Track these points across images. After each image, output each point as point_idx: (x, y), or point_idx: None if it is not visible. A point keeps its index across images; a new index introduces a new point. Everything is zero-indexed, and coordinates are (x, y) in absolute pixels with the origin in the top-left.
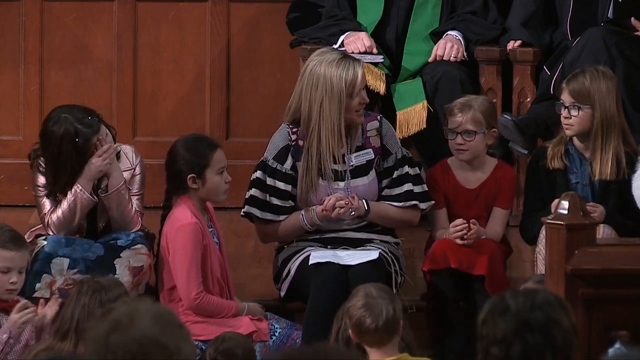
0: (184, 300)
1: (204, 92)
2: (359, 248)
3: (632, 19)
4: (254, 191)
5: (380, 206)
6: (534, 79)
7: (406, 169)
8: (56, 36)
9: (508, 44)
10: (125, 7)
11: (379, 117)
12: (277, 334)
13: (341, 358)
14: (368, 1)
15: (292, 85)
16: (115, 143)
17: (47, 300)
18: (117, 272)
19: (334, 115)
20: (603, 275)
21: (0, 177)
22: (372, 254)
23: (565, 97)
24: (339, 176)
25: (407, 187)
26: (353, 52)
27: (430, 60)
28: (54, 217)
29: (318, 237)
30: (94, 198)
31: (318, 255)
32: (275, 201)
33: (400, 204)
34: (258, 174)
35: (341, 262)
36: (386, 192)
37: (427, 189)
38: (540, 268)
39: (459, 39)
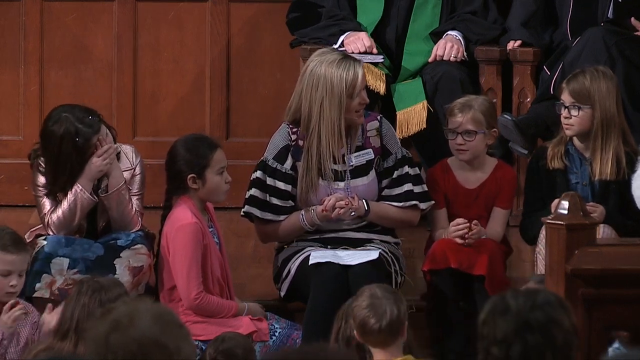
0: (184, 300)
1: (204, 92)
2: (359, 248)
3: (632, 19)
4: (254, 191)
5: (380, 206)
6: (534, 79)
7: (406, 169)
8: (56, 36)
9: (508, 44)
10: (125, 7)
11: (379, 117)
12: (277, 334)
13: (338, 358)
14: (368, 1)
15: (292, 85)
16: (115, 143)
17: (47, 300)
18: (117, 272)
19: (334, 116)
20: (603, 275)
21: (0, 177)
22: (372, 254)
23: (565, 97)
24: (339, 176)
25: (407, 187)
26: (353, 52)
27: (430, 60)
28: (54, 217)
29: (318, 237)
30: (94, 198)
31: (318, 255)
32: (275, 201)
33: (400, 204)
34: (258, 173)
35: (341, 262)
36: (386, 192)
37: (427, 189)
38: (540, 268)
39: (459, 39)
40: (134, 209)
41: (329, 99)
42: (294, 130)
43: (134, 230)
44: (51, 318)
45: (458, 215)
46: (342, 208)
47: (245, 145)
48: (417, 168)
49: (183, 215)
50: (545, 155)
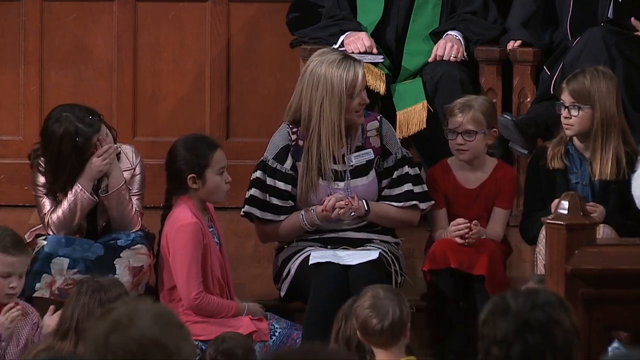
0: (184, 300)
1: (204, 92)
2: (359, 248)
3: (632, 19)
4: (253, 191)
5: (380, 206)
6: (534, 79)
7: (406, 169)
8: (56, 36)
9: (508, 44)
10: (125, 7)
11: (379, 117)
12: (277, 334)
13: (338, 358)
14: (368, 1)
15: (292, 85)
16: (115, 144)
17: (47, 300)
18: (117, 272)
19: (334, 116)
20: (603, 275)
21: (0, 177)
22: (372, 254)
23: (565, 97)
24: (338, 176)
25: (407, 187)
26: (353, 52)
27: (430, 60)
28: (54, 217)
29: (318, 237)
30: (94, 198)
31: (318, 255)
32: (275, 201)
33: (400, 204)
34: (258, 173)
35: (341, 262)
36: (386, 192)
37: (427, 189)
38: (540, 268)
39: (459, 39)
40: (134, 209)
41: (329, 99)
42: (294, 130)
43: (134, 230)
44: (52, 321)
45: (458, 215)
46: (342, 208)
47: (245, 145)
48: (417, 168)
49: (183, 215)
50: (545, 155)
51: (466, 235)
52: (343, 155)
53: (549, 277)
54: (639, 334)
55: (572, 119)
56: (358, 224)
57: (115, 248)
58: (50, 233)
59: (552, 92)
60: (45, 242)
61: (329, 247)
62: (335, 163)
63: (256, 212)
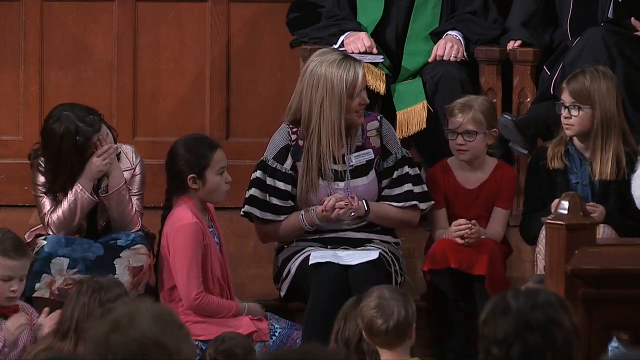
0: (184, 300)
1: (204, 92)
2: (359, 248)
3: (632, 19)
4: (253, 191)
5: (380, 206)
6: (534, 79)
7: (406, 169)
8: (56, 36)
9: (508, 44)
10: (125, 7)
11: (379, 117)
12: (277, 334)
13: (337, 359)
14: (368, 1)
15: (292, 85)
16: (115, 144)
17: (46, 300)
18: (116, 272)
19: (334, 116)
20: (603, 275)
21: (0, 177)
22: (372, 254)
23: (566, 97)
24: (338, 176)
25: (407, 187)
26: (353, 52)
27: (430, 60)
28: (54, 216)
29: (318, 237)
30: (94, 198)
31: (318, 255)
32: (275, 201)
33: (400, 204)
34: (258, 173)
35: (341, 262)
36: (386, 192)
37: (427, 189)
38: (540, 268)
39: (459, 39)
40: (134, 209)
41: (329, 99)
42: (294, 130)
43: (134, 230)
44: (45, 322)
45: (458, 215)
46: (341, 208)
47: (245, 145)
48: (417, 168)
49: (183, 215)
50: (545, 155)
51: (465, 235)
52: (343, 155)
53: (549, 277)
54: (639, 334)
55: (572, 119)
56: (358, 224)
57: (115, 248)
58: (50, 233)
59: (552, 92)
60: (45, 242)
61: (329, 247)
62: (335, 163)
63: (256, 212)
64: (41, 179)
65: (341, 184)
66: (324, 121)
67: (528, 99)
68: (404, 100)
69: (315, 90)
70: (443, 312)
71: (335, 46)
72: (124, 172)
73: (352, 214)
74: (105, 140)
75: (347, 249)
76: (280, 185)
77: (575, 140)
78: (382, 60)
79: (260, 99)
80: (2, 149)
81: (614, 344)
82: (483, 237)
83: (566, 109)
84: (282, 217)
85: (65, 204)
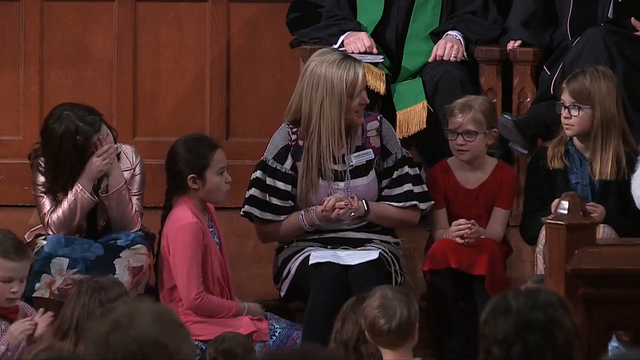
0: (184, 300)
1: (204, 92)
2: (359, 248)
3: (632, 19)
4: (253, 191)
5: (380, 206)
6: (534, 79)
7: (406, 169)
8: (56, 36)
9: (508, 44)
10: (125, 7)
11: (379, 117)
12: (277, 334)
13: (337, 359)
14: (368, 1)
15: (292, 85)
16: (115, 144)
17: (46, 300)
18: (116, 272)
19: (334, 116)
20: (603, 275)
21: (0, 177)
22: (372, 254)
23: (566, 97)
24: (338, 176)
25: (407, 187)
26: (353, 52)
27: (430, 60)
28: (54, 216)
29: (318, 237)
30: (94, 198)
31: (318, 255)
32: (275, 201)
33: (400, 204)
34: (258, 173)
35: (341, 262)
36: (386, 192)
37: (427, 189)
38: (540, 268)
39: (459, 39)
40: (134, 209)
41: (329, 99)
42: (294, 130)
43: (134, 230)
44: (41, 322)
45: (458, 215)
46: (341, 208)
47: (245, 145)
48: (417, 168)
49: (183, 215)
50: (545, 155)
51: (465, 235)
52: (343, 155)
53: (549, 277)
54: (639, 334)
55: (572, 119)
56: (358, 224)
57: (115, 248)
58: (50, 233)
59: (552, 92)
60: (45, 242)
61: (329, 247)
62: (335, 163)
63: (256, 212)
64: (41, 179)
65: (341, 184)
66: (324, 121)
67: (528, 99)
68: (404, 100)
69: (315, 90)
70: (443, 312)
71: (335, 46)
72: (124, 172)
73: (352, 214)
74: (106, 140)
75: (347, 249)
76: (280, 185)
77: (575, 140)
78: (382, 60)
79: (260, 99)
80: (2, 149)
81: (614, 344)
82: (483, 237)
83: (566, 109)
84: (282, 217)
85: (65, 204)
